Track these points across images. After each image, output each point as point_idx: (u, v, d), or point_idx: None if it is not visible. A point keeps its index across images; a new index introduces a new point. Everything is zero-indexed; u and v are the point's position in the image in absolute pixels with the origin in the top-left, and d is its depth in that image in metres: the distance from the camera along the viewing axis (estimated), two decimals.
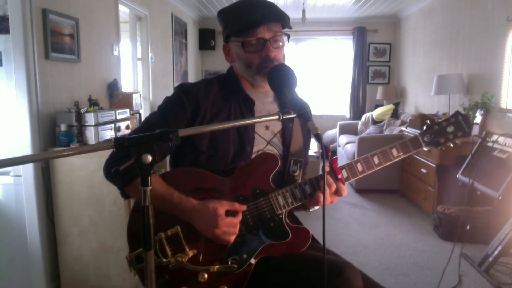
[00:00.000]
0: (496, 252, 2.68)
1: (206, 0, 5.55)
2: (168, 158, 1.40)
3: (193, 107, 1.25)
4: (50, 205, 2.49)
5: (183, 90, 1.28)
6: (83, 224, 2.47)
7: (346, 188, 1.24)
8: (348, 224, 3.73)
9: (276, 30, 1.25)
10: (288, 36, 1.29)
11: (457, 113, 1.31)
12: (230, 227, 1.13)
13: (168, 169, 1.39)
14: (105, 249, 2.48)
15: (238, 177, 1.24)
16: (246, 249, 1.19)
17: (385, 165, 1.29)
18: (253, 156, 1.28)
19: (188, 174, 1.24)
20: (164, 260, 1.15)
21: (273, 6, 1.27)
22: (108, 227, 2.46)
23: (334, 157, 1.25)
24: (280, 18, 1.25)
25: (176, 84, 5.47)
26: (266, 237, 1.21)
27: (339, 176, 1.24)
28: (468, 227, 2.95)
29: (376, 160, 1.27)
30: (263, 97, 1.35)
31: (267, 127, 1.33)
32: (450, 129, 1.29)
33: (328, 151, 1.23)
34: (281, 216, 1.23)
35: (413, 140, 1.30)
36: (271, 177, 1.24)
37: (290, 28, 1.29)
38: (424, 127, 1.28)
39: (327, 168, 1.23)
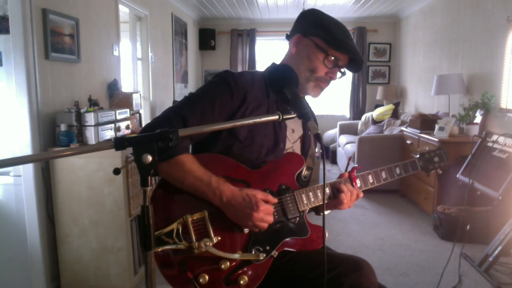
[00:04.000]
0: (496, 252, 2.68)
1: (206, 0, 5.55)
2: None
3: (241, 96, 1.25)
4: (50, 205, 2.49)
5: (232, 77, 1.26)
6: (83, 224, 2.47)
7: (361, 192, 1.36)
8: (348, 224, 3.74)
9: (344, 65, 1.34)
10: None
11: (439, 147, 1.60)
12: (267, 214, 1.16)
13: None
14: (105, 249, 2.48)
15: (266, 171, 1.25)
16: (269, 241, 1.21)
17: (390, 180, 1.46)
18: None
19: (218, 161, 1.22)
20: (188, 244, 1.13)
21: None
22: (108, 227, 2.46)
23: (356, 166, 1.38)
24: (360, 62, 1.33)
25: (176, 84, 5.49)
26: (288, 232, 1.24)
27: (355, 184, 1.36)
28: (468, 227, 2.95)
29: (383, 175, 1.44)
30: None
31: (293, 130, 1.37)
32: (436, 159, 1.55)
33: (349, 160, 1.50)
34: (303, 214, 1.27)
35: (412, 163, 1.52)
36: (295, 176, 1.28)
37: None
38: (418, 155, 1.54)
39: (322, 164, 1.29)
